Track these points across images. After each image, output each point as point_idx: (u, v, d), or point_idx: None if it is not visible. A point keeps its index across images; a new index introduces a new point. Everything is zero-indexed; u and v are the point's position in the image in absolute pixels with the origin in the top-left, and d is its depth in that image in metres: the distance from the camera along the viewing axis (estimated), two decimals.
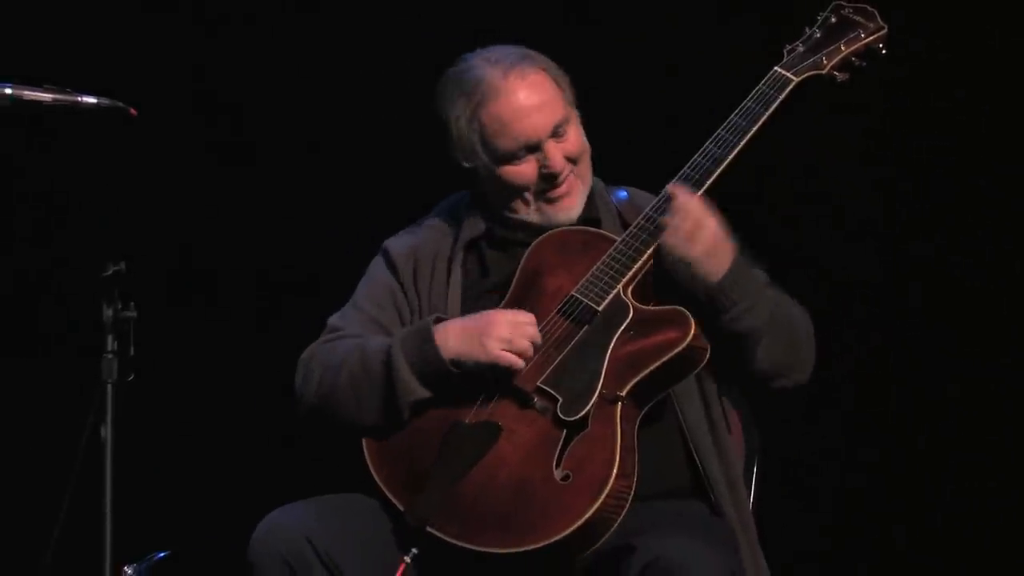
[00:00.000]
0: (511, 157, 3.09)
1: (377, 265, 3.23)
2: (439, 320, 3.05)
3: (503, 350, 2.95)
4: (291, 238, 4.35)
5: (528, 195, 3.12)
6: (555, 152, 3.08)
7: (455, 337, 2.98)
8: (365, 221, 3.51)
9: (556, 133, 3.09)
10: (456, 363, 2.97)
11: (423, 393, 3.00)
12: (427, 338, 2.99)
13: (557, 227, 3.13)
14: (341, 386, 3.06)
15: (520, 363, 2.96)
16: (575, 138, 3.11)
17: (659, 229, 3.01)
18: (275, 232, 4.37)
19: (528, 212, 3.14)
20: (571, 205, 3.13)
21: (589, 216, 3.16)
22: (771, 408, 3.27)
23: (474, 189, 3.20)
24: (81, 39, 4.27)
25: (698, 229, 2.99)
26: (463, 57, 3.15)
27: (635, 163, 3.26)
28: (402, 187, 3.96)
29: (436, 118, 3.14)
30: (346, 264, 3.36)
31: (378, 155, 4.29)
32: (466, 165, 3.14)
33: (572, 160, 3.11)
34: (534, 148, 3.08)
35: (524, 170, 3.10)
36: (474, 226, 3.18)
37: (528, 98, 3.08)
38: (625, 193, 3.23)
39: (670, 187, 3.02)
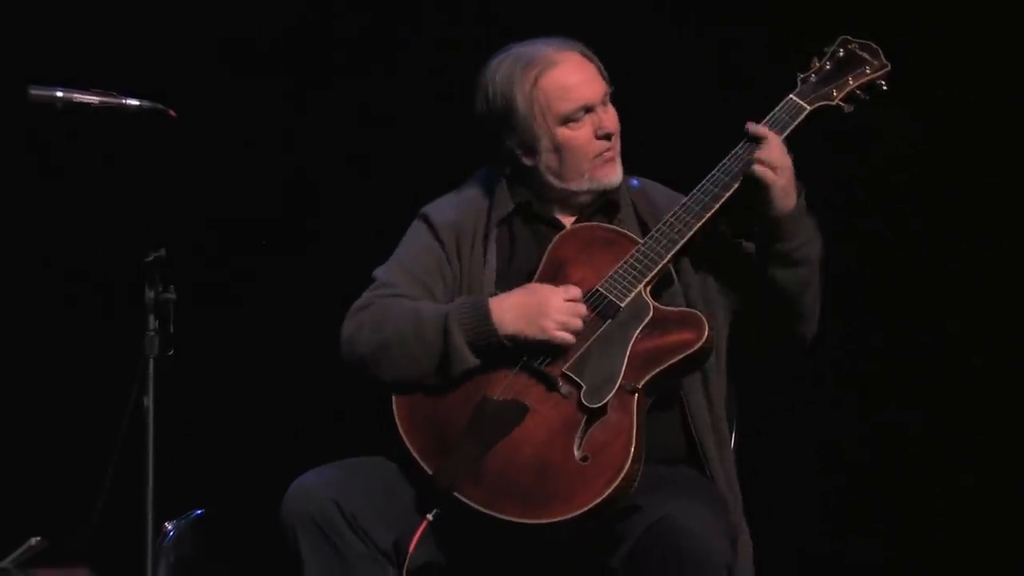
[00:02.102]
0: (569, 119, 3.20)
1: (421, 231, 3.30)
2: (492, 295, 3.14)
3: (558, 331, 3.07)
4: (317, 220, 4.44)
5: (584, 163, 3.23)
6: (606, 115, 3.23)
7: (511, 315, 3.08)
8: (371, 216, 3.65)
9: (604, 102, 3.23)
10: (510, 338, 3.08)
11: (474, 363, 3.08)
12: (484, 314, 3.08)
13: (603, 189, 3.26)
14: (395, 346, 3.12)
15: (573, 341, 3.07)
16: (615, 113, 3.25)
17: (749, 163, 3.13)
18: (300, 216, 4.45)
19: (580, 182, 3.24)
20: (617, 168, 3.25)
21: (610, 199, 3.29)
22: (777, 359, 3.41)
23: (519, 172, 3.27)
24: (121, 43, 4.33)
25: (782, 163, 3.14)
26: (506, 47, 3.27)
27: (655, 163, 3.40)
28: (399, 189, 4.01)
29: (495, 103, 3.23)
30: (356, 258, 3.43)
31: (404, 136, 4.37)
32: (525, 142, 3.22)
33: (616, 130, 3.25)
34: (589, 110, 3.21)
35: (580, 134, 3.21)
36: (505, 204, 3.28)
37: (580, 68, 3.22)
38: (637, 182, 3.36)
39: (752, 127, 3.16)
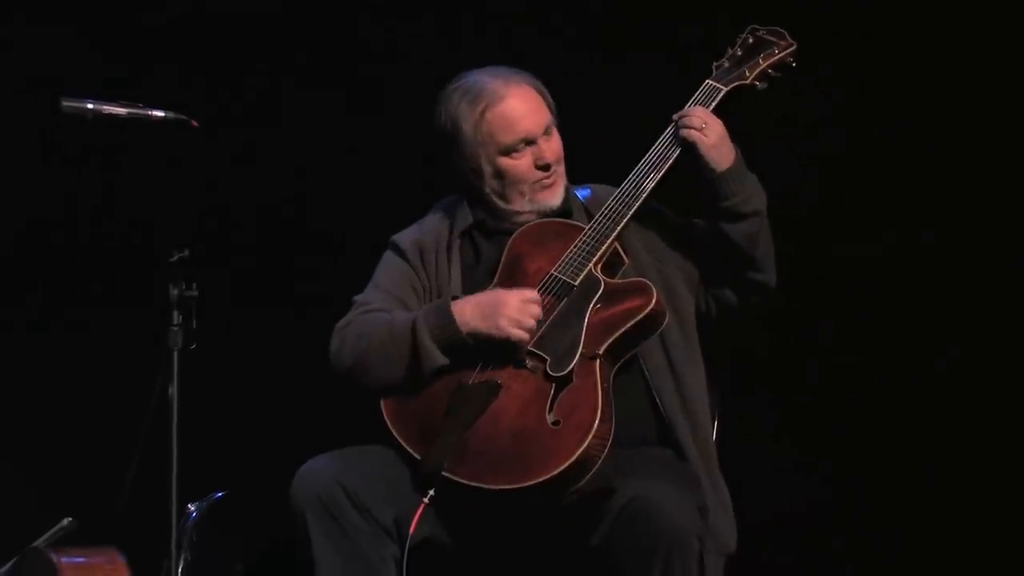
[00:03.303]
0: (511, 150, 3.38)
1: (390, 256, 3.50)
2: (455, 298, 3.32)
3: (513, 327, 3.24)
4: (319, 235, 4.55)
5: (524, 187, 3.41)
6: (547, 146, 3.41)
7: (471, 314, 3.26)
8: (376, 221, 3.70)
9: (546, 131, 3.41)
10: (472, 335, 3.25)
11: (443, 361, 3.26)
12: (446, 315, 3.26)
13: (544, 211, 3.42)
14: (373, 352, 3.29)
15: (527, 338, 3.25)
16: (558, 141, 3.44)
17: (677, 136, 3.33)
18: (306, 229, 4.57)
19: (521, 203, 3.42)
20: (557, 193, 3.44)
21: (563, 209, 3.45)
22: (745, 309, 3.48)
23: (471, 191, 3.45)
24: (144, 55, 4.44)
25: (707, 125, 3.33)
26: (461, 75, 3.45)
27: (596, 161, 3.54)
28: (405, 193, 4.13)
29: (445, 127, 3.40)
30: (362, 259, 3.58)
31: (388, 166, 4.49)
32: (471, 167, 3.41)
33: (555, 159, 3.42)
34: (530, 142, 3.39)
35: (521, 163, 3.40)
36: (465, 219, 3.46)
37: (525, 102, 3.40)
38: (588, 191, 3.53)
39: (676, 114, 3.36)
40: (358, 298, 3.44)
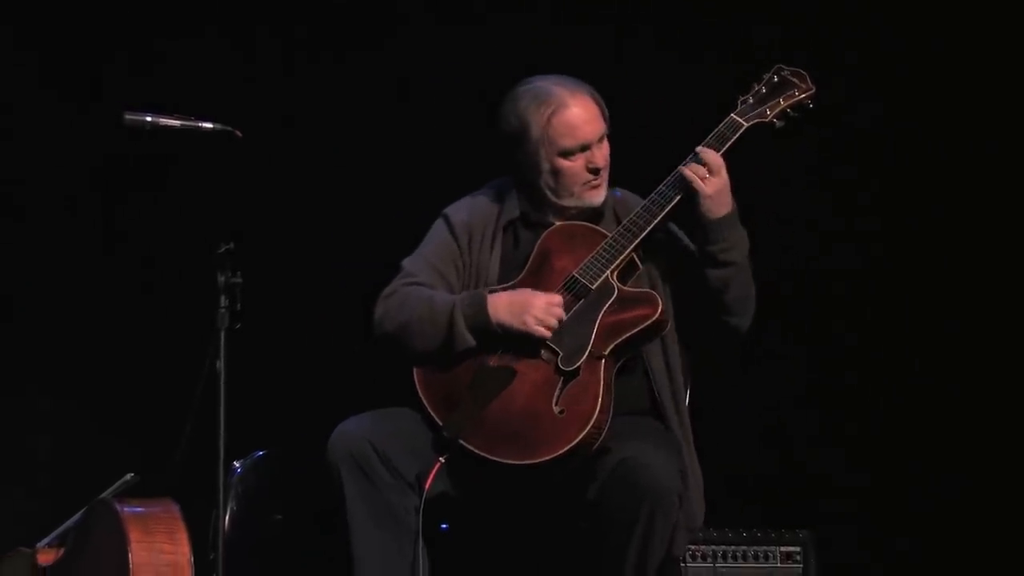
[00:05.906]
0: (569, 153, 3.61)
1: (441, 229, 3.70)
2: (491, 291, 3.54)
3: (538, 326, 3.49)
4: (358, 215, 4.80)
5: (575, 187, 3.63)
6: (599, 153, 3.64)
7: (503, 308, 3.50)
8: (420, 199, 3.90)
9: (600, 139, 3.64)
10: (500, 326, 3.50)
11: (472, 343, 3.50)
12: (481, 305, 3.51)
13: (587, 207, 3.66)
14: (413, 325, 3.52)
15: (549, 335, 3.49)
16: (607, 148, 3.67)
17: (685, 177, 3.53)
18: (343, 212, 4.82)
19: (570, 200, 3.65)
20: (601, 193, 3.67)
21: (596, 210, 3.69)
22: (716, 347, 3.70)
23: (524, 180, 3.66)
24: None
25: (714, 175, 3.52)
26: (529, 79, 3.67)
27: (629, 174, 3.78)
28: (448, 174, 4.20)
29: (514, 125, 3.62)
30: (404, 235, 3.74)
31: (438, 147, 4.80)
32: (531, 162, 3.61)
33: (604, 164, 3.66)
34: (585, 148, 3.61)
35: (575, 165, 3.62)
36: (512, 210, 3.69)
37: (586, 111, 3.63)
38: (620, 193, 3.76)
39: (699, 148, 3.56)
40: (405, 264, 3.65)
